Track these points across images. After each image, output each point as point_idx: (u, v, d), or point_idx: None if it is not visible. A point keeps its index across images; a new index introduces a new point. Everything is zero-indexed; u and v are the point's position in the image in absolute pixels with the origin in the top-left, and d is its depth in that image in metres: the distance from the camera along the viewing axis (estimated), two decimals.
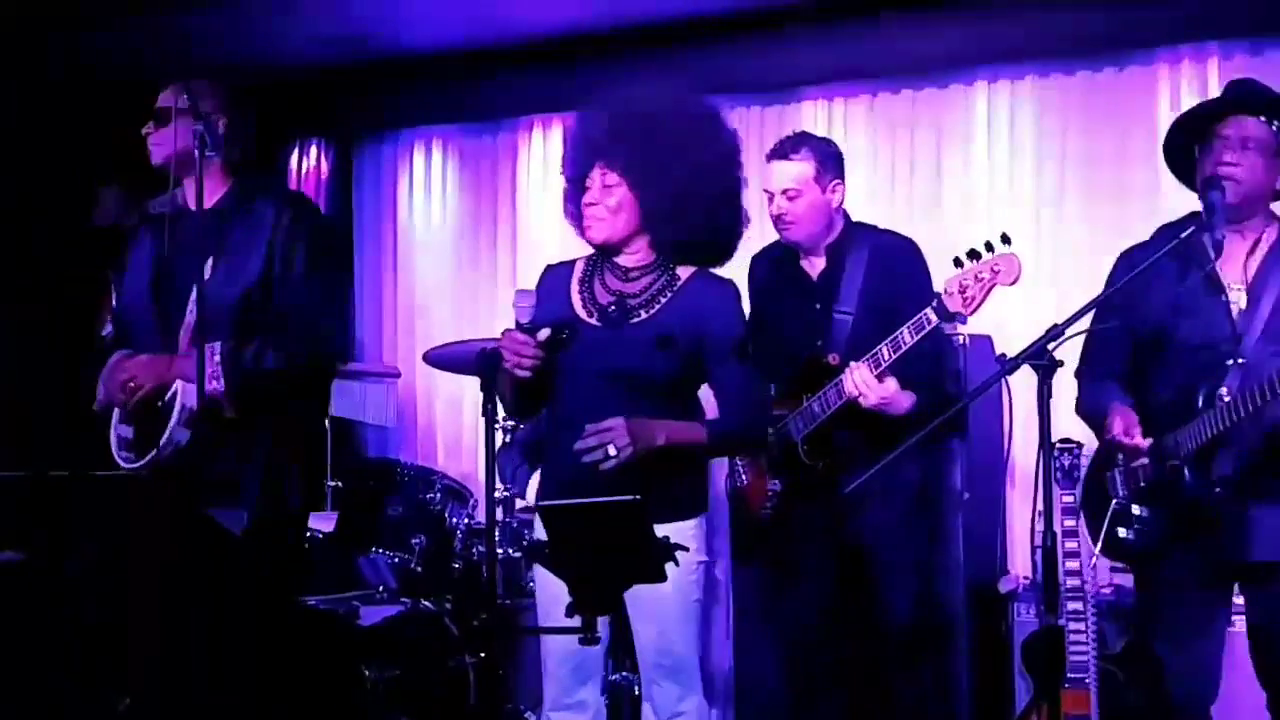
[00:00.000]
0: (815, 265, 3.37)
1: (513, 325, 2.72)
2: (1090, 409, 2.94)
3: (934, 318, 2.99)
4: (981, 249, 2.91)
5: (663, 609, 2.68)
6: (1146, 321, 2.83)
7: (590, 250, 2.82)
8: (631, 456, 2.59)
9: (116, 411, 2.96)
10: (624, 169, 2.68)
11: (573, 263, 2.86)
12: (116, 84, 3.18)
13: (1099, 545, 2.87)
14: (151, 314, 2.96)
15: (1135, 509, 2.80)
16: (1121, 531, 2.83)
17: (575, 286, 2.79)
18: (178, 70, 2.94)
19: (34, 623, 3.70)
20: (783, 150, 3.30)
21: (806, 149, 3.29)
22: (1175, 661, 2.84)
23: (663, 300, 2.73)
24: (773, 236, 3.44)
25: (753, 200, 4.78)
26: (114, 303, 3.14)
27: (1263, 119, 2.74)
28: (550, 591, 2.70)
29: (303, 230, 2.95)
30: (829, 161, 3.31)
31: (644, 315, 2.72)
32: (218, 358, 2.82)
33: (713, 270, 2.80)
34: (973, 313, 2.96)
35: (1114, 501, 2.84)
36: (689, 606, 2.72)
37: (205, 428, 2.79)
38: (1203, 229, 2.72)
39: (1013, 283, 2.90)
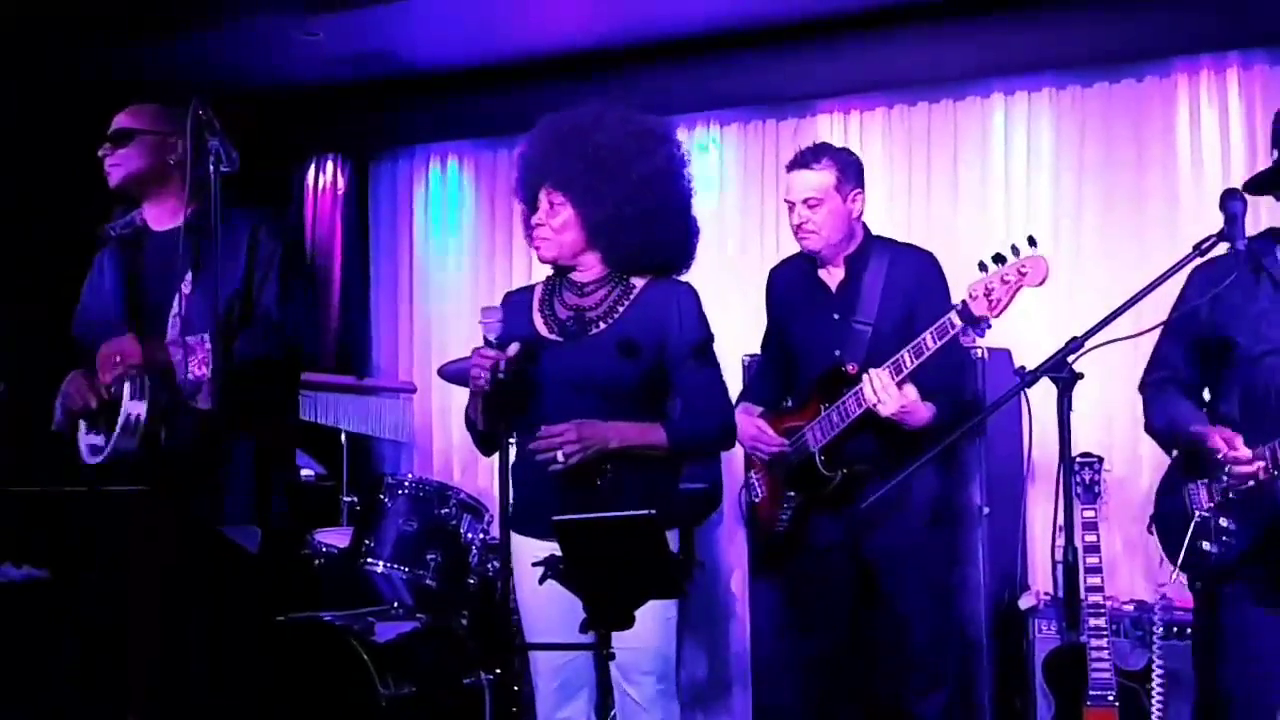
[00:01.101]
0: (834, 276, 3.36)
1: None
2: (1162, 426, 2.87)
3: (958, 322, 2.98)
4: (1007, 253, 2.90)
5: (645, 615, 2.64)
6: (1210, 326, 2.79)
7: (548, 272, 2.88)
8: (580, 459, 2.63)
9: (83, 423, 2.99)
10: (566, 188, 2.73)
11: (532, 287, 2.92)
12: (130, 98, 3.22)
13: (1179, 562, 2.75)
14: (125, 333, 2.98)
15: (1222, 521, 2.71)
16: (1205, 545, 2.72)
17: (536, 306, 2.84)
18: (187, 87, 2.95)
19: (52, 640, 3.70)
20: (804, 160, 3.31)
21: (827, 158, 3.30)
22: (1239, 684, 2.75)
23: (620, 309, 2.77)
24: (781, 249, 3.43)
25: (765, 212, 4.88)
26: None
27: None
28: (536, 609, 2.74)
29: (277, 243, 3.04)
30: (849, 171, 3.31)
31: (603, 326, 2.76)
32: (208, 345, 2.86)
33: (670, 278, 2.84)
34: (998, 315, 2.93)
35: (1197, 514, 2.74)
36: (665, 624, 2.71)
37: (198, 437, 2.81)
38: (1223, 238, 2.69)
39: (1040, 284, 2.88)
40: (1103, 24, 4.27)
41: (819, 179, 3.27)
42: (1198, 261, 2.82)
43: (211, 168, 2.87)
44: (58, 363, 3.08)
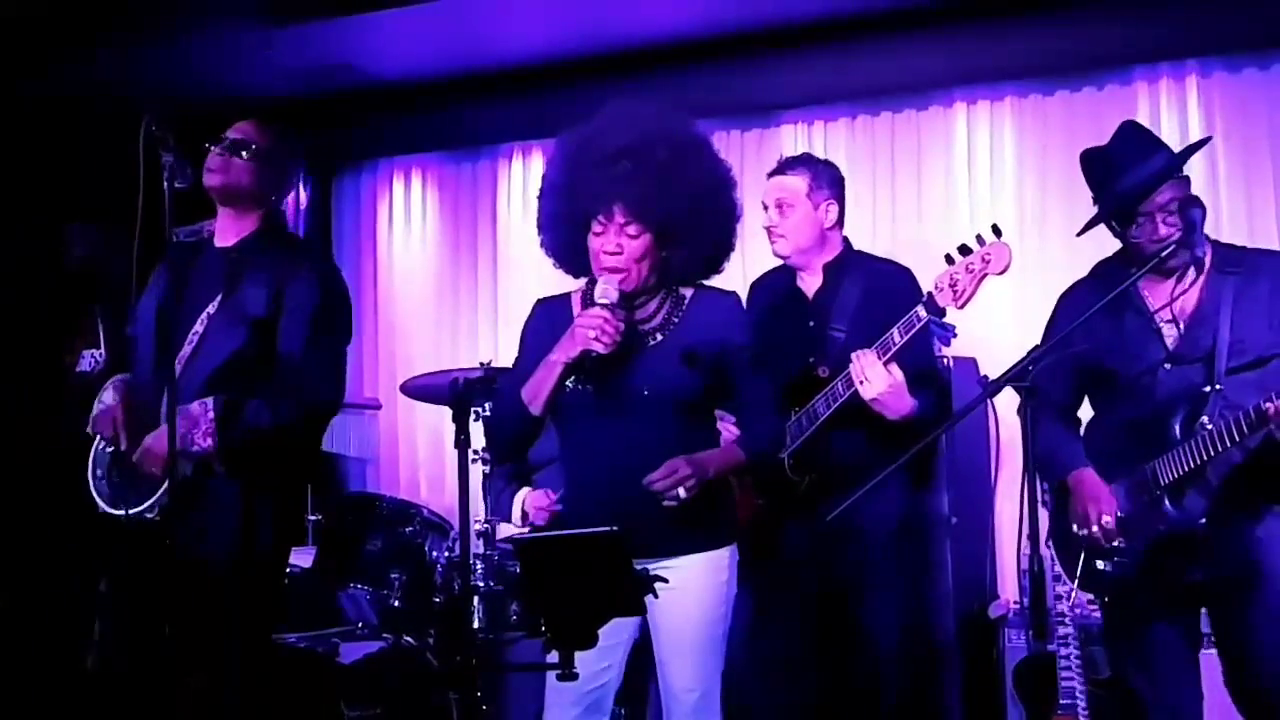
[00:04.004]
0: (811, 284, 3.39)
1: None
2: (1042, 454, 2.88)
3: (924, 314, 2.99)
4: (973, 244, 2.91)
5: (695, 641, 2.69)
6: (1089, 354, 2.82)
7: (579, 281, 2.83)
8: (695, 493, 2.64)
9: (95, 454, 2.95)
10: (650, 219, 2.66)
11: (566, 296, 2.86)
12: (87, 116, 3.16)
13: (1076, 579, 2.82)
14: (151, 340, 2.94)
15: (1114, 540, 2.76)
16: (1100, 564, 2.78)
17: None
18: (152, 102, 2.90)
19: (16, 667, 3.64)
20: (780, 167, 3.39)
21: (803, 166, 3.37)
22: (1154, 691, 2.81)
23: (676, 320, 2.76)
24: (749, 259, 3.44)
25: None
26: (100, 335, 3.11)
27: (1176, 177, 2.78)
28: None
29: (318, 289, 2.93)
30: (823, 179, 3.36)
31: (661, 338, 2.74)
32: (211, 414, 2.80)
33: (709, 284, 2.84)
34: (963, 305, 2.94)
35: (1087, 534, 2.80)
36: (718, 639, 2.74)
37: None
38: (1183, 245, 2.71)
39: (1002, 271, 2.90)
40: (1063, 33, 4.29)
41: (789, 183, 3.33)
42: (1064, 290, 2.97)
43: (165, 184, 2.83)
44: (24, 400, 3.03)
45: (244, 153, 2.96)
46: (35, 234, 4.44)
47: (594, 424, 2.70)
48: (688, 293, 2.78)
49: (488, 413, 3.31)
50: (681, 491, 2.61)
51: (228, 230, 2.99)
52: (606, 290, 2.65)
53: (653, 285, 2.75)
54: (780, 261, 3.47)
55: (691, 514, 2.64)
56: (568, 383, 2.68)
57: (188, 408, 2.81)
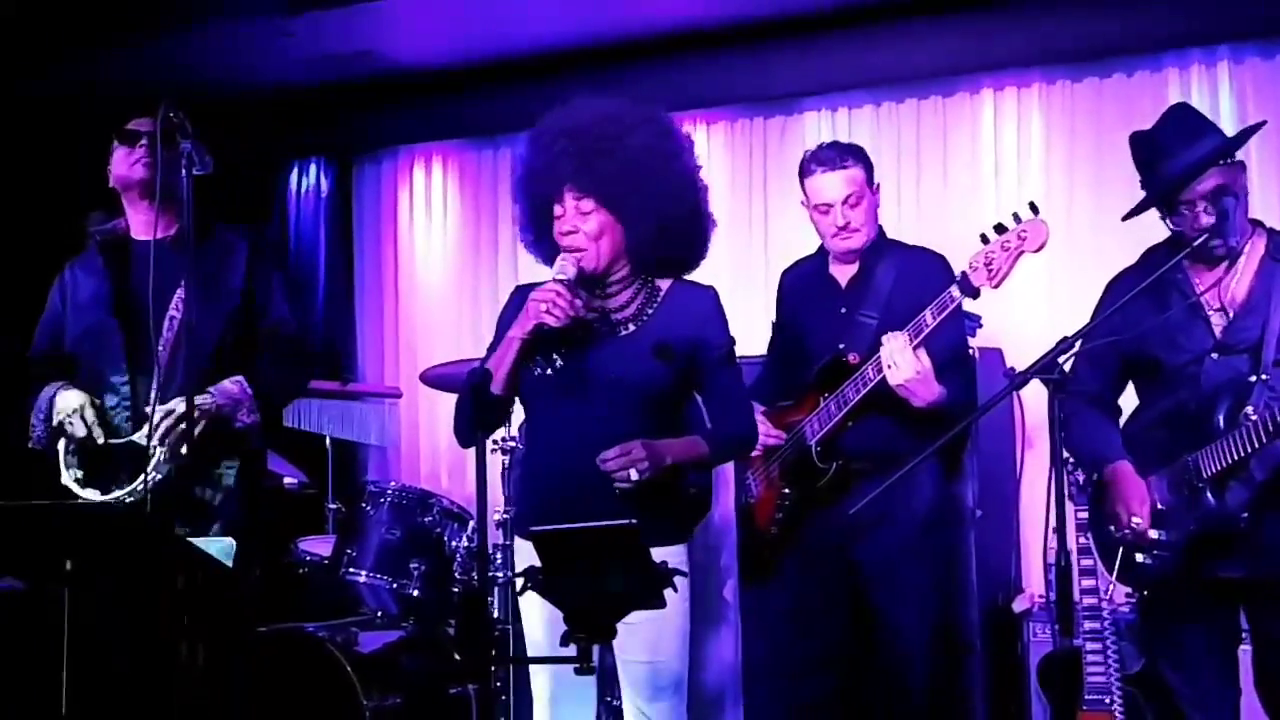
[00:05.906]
0: (845, 272, 3.36)
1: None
2: (1085, 451, 2.88)
3: (957, 294, 2.95)
4: (1009, 222, 2.86)
5: (658, 630, 2.63)
6: (1130, 342, 2.78)
7: (541, 271, 2.81)
8: (649, 477, 2.58)
9: (64, 444, 3.00)
10: (596, 192, 2.64)
11: (544, 283, 2.82)
12: (108, 106, 3.16)
13: (1115, 572, 2.78)
14: (117, 337, 2.97)
15: (1153, 534, 2.71)
16: (1139, 557, 2.74)
17: None
18: (170, 92, 2.90)
19: (31, 654, 3.64)
20: (830, 162, 3.26)
21: (852, 157, 3.28)
22: (1190, 688, 2.77)
23: (649, 312, 2.73)
24: (770, 249, 3.39)
25: (754, 211, 4.82)
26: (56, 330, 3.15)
27: (1223, 162, 2.72)
28: (536, 619, 2.68)
29: (275, 258, 3.19)
30: (871, 168, 3.32)
31: (633, 328, 2.71)
32: (249, 390, 2.93)
33: (686, 278, 2.80)
34: (998, 285, 2.90)
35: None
36: (683, 628, 2.70)
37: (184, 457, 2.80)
38: (1215, 234, 2.66)
39: (1039, 249, 2.85)
40: (1092, 18, 4.23)
41: (855, 176, 3.25)
42: (1116, 273, 2.91)
43: (184, 171, 2.83)
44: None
45: (170, 144, 2.93)
46: (35, 234, 4.44)
47: (559, 409, 2.68)
48: (663, 285, 2.75)
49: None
50: (633, 474, 2.56)
51: (158, 223, 2.95)
52: (564, 266, 2.64)
53: (625, 274, 2.72)
54: (798, 255, 3.43)
55: (648, 504, 2.56)
56: (537, 370, 2.67)
57: (223, 387, 2.93)
